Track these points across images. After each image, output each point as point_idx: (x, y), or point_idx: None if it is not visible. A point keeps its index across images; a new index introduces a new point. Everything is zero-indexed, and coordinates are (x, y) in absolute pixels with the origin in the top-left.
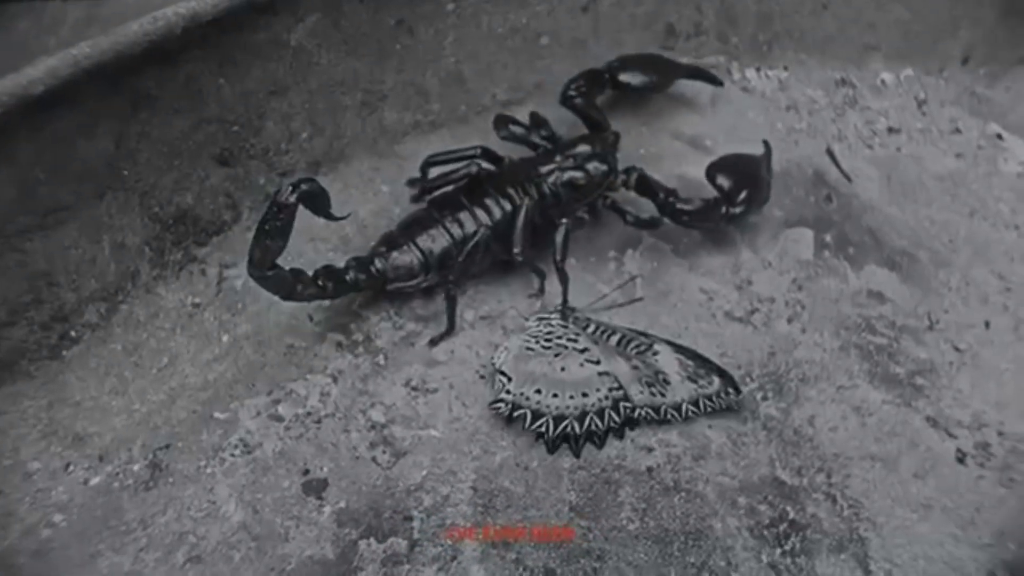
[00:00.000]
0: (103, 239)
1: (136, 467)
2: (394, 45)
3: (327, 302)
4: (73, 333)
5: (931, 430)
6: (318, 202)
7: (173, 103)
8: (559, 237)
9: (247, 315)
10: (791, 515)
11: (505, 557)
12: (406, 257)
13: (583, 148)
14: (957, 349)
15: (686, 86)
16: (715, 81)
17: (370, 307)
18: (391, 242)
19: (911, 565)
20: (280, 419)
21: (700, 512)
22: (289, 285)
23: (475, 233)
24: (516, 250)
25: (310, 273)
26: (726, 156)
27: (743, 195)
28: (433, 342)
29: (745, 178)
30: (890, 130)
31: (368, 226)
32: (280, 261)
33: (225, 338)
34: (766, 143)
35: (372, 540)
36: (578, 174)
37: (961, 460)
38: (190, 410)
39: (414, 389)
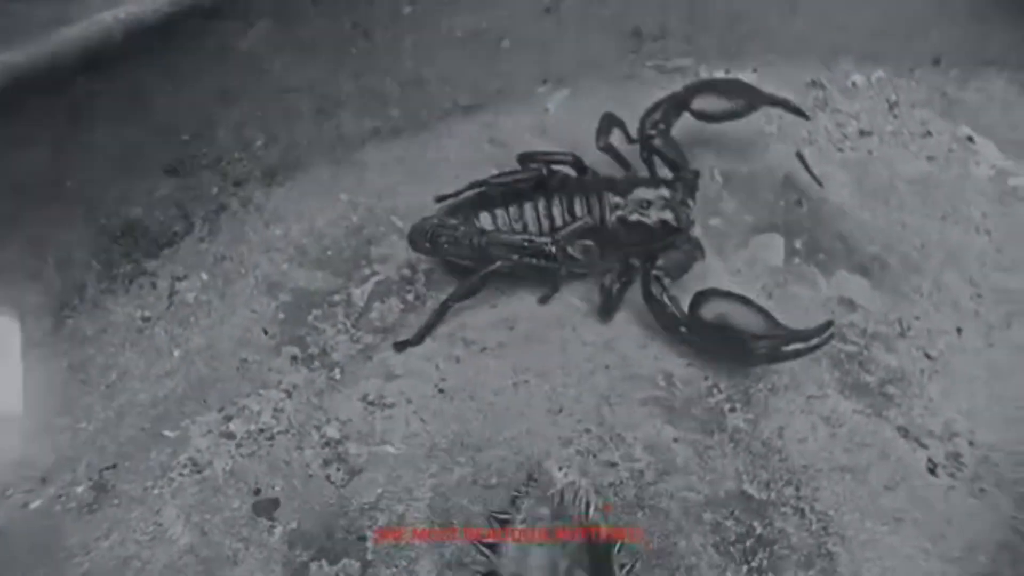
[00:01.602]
0: (47, 252)
1: (80, 489)
2: (350, 49)
3: (282, 314)
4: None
5: (902, 440)
6: None
7: (117, 112)
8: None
9: (199, 328)
10: (758, 530)
11: None
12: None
13: (664, 192)
14: (928, 356)
15: (654, 88)
16: (801, 114)
17: (327, 319)
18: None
19: None
20: (232, 436)
21: (664, 529)
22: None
23: (525, 230)
24: (550, 239)
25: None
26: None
27: (707, 334)
28: (398, 347)
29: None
30: (861, 133)
31: (325, 235)
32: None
33: (176, 353)
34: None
35: (324, 562)
36: (647, 220)
37: (932, 471)
38: (139, 428)
39: (370, 404)
